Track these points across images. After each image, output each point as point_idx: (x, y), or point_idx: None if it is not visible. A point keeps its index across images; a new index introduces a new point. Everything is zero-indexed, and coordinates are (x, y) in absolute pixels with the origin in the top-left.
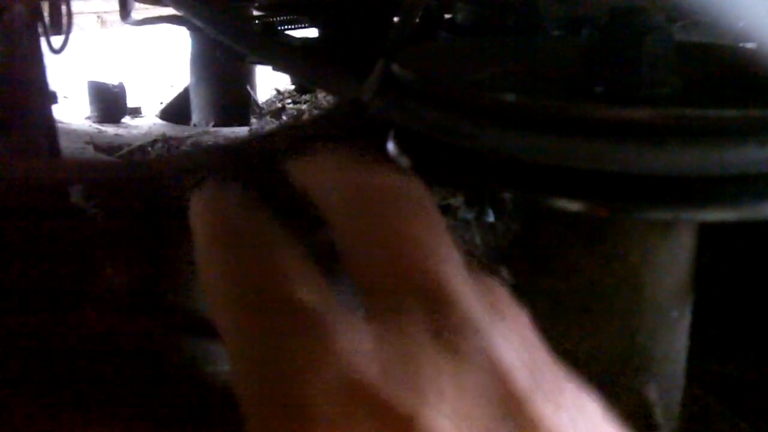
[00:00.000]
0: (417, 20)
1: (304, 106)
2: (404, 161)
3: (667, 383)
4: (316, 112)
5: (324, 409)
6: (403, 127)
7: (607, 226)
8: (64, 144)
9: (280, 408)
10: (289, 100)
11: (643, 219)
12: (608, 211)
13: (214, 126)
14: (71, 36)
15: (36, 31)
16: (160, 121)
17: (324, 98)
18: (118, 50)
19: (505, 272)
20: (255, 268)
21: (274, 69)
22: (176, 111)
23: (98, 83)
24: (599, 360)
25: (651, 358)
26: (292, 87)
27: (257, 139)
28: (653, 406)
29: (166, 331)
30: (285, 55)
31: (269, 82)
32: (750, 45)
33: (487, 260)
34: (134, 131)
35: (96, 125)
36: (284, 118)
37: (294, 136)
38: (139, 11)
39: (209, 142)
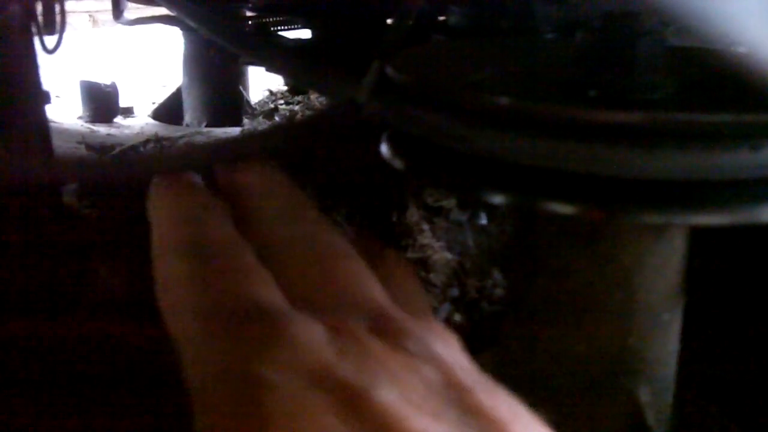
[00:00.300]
0: (411, 22)
1: (296, 107)
2: (398, 163)
3: (659, 385)
4: (308, 113)
5: (279, 388)
6: (397, 129)
7: (600, 230)
8: (57, 144)
9: (234, 393)
10: (282, 101)
11: (636, 223)
12: (602, 215)
13: (206, 126)
14: (64, 36)
15: (29, 31)
16: (152, 121)
17: (317, 99)
18: (110, 50)
19: (497, 274)
20: (210, 267)
21: (267, 70)
22: (168, 111)
23: (90, 83)
24: (592, 362)
25: (643, 361)
26: (285, 88)
27: (247, 139)
28: (645, 408)
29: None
30: (278, 56)
31: (262, 83)
32: (743, 49)
33: (480, 262)
34: (126, 131)
35: (88, 125)
36: (277, 119)
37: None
38: (132, 11)
39: (200, 142)
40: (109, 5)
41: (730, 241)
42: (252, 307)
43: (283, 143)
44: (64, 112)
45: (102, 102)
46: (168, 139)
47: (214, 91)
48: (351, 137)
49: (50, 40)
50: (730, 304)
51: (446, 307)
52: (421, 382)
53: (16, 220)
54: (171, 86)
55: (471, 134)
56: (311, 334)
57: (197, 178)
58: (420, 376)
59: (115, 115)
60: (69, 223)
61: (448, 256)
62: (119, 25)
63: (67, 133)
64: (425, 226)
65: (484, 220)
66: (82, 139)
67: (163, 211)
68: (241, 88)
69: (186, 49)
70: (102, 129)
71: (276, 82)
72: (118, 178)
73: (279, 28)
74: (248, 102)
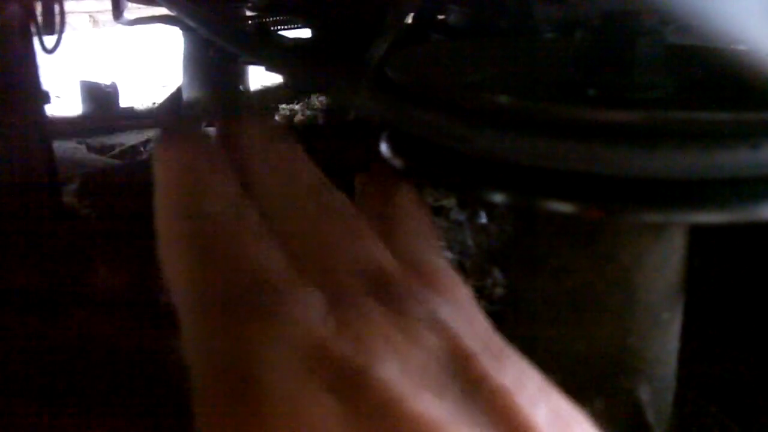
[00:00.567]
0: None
1: (296, 107)
2: (397, 162)
3: (659, 384)
4: (309, 112)
5: (275, 365)
6: (396, 129)
7: (600, 229)
8: (56, 143)
9: (234, 374)
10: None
11: (635, 221)
12: (601, 214)
13: (206, 125)
14: (64, 36)
15: (29, 30)
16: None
17: (317, 98)
18: (110, 50)
19: (497, 273)
20: (212, 228)
21: (267, 69)
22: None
23: (91, 83)
24: (591, 361)
25: (642, 360)
26: (286, 87)
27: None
28: (645, 407)
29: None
30: (278, 56)
31: (262, 82)
32: (743, 48)
33: (480, 262)
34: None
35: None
36: (276, 118)
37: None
38: (132, 11)
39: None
40: (109, 5)
41: (730, 240)
42: (251, 278)
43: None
44: (65, 112)
45: (102, 102)
46: None
47: (214, 90)
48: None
49: (50, 40)
50: (731, 303)
51: None
52: (424, 353)
53: (16, 220)
54: (171, 86)
55: (470, 134)
56: (309, 309)
57: (205, 132)
58: (422, 346)
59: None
60: (69, 223)
61: (448, 255)
62: (119, 25)
63: None
64: None
65: (483, 220)
66: (82, 138)
67: (167, 167)
68: (241, 87)
69: (186, 49)
70: None
71: (276, 82)
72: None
73: (279, 27)
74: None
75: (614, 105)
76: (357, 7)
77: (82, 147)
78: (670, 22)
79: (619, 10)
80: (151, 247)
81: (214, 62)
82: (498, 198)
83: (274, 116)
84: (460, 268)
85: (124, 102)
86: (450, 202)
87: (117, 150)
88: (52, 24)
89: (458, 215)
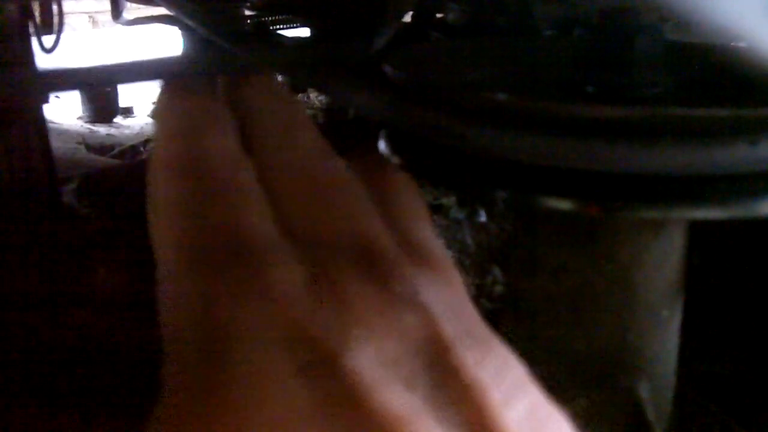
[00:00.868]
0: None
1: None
2: (396, 161)
3: (659, 382)
4: (308, 111)
5: (247, 340)
6: (395, 127)
7: (599, 227)
8: (56, 144)
9: (202, 340)
10: None
11: (634, 218)
12: (599, 211)
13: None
14: (63, 36)
15: (27, 30)
16: (152, 121)
17: (316, 97)
18: (110, 50)
19: (496, 272)
20: (204, 187)
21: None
22: None
23: None
24: (591, 359)
25: (642, 358)
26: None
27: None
28: (645, 405)
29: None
30: (277, 55)
31: None
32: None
33: (479, 260)
34: (126, 131)
35: (88, 125)
36: None
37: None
38: (131, 11)
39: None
40: (108, 5)
41: (729, 237)
42: (238, 242)
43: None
44: (64, 112)
45: (102, 102)
46: None
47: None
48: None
49: (48, 40)
50: (731, 301)
51: None
52: (401, 338)
53: (16, 220)
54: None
55: (469, 132)
56: (289, 283)
57: (207, 86)
58: (400, 332)
59: (114, 115)
60: (69, 223)
61: (448, 253)
62: (119, 25)
63: (66, 133)
64: None
65: (483, 218)
66: (82, 139)
67: (164, 121)
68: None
69: (185, 48)
70: (102, 129)
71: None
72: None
73: (278, 27)
74: None
75: (613, 102)
76: (356, 6)
77: (82, 147)
78: (669, 19)
79: (617, 7)
80: (151, 246)
81: None
82: (497, 196)
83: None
84: (460, 266)
85: (123, 102)
86: (449, 200)
87: (117, 150)
88: (51, 24)
89: (458, 214)
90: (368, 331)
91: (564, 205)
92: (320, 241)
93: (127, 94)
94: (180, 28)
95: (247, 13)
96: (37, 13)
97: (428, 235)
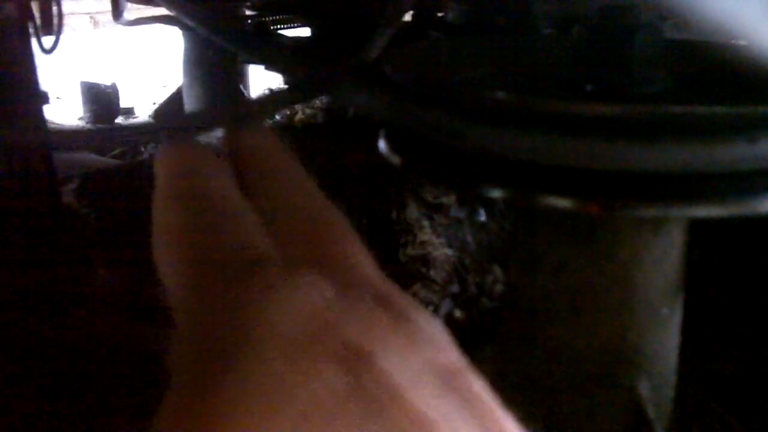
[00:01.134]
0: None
1: (296, 105)
2: (396, 160)
3: (659, 380)
4: (308, 111)
5: (280, 337)
6: (395, 126)
7: (598, 225)
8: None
9: (228, 339)
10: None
11: (633, 216)
12: (599, 209)
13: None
14: (64, 37)
15: (27, 31)
16: (153, 122)
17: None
18: (110, 51)
19: (497, 270)
20: (207, 217)
21: (266, 68)
22: (169, 111)
23: (91, 84)
24: (591, 357)
25: (642, 355)
26: (285, 86)
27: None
28: (645, 402)
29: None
30: (277, 54)
31: (262, 82)
32: (740, 42)
33: (480, 259)
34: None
35: (89, 126)
36: (277, 117)
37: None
38: (132, 11)
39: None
40: (109, 6)
41: (730, 235)
42: (248, 256)
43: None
44: (65, 113)
45: (103, 103)
46: None
47: (214, 90)
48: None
49: (48, 41)
50: (731, 299)
51: (447, 303)
52: (422, 360)
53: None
54: (171, 86)
55: (469, 130)
56: (319, 290)
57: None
58: (421, 354)
59: (115, 116)
60: (68, 223)
61: (448, 252)
62: (119, 26)
63: None
64: (425, 223)
65: (483, 217)
66: None
67: (166, 165)
68: (241, 87)
69: (186, 48)
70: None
71: (276, 81)
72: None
73: (278, 26)
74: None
75: (612, 100)
76: (356, 6)
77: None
78: (669, 17)
79: (617, 6)
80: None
81: (214, 62)
82: (497, 194)
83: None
84: (461, 264)
85: (124, 102)
86: (449, 199)
87: (117, 150)
88: (51, 24)
89: (458, 212)
90: (394, 345)
91: (564, 203)
92: (325, 267)
93: (128, 94)
94: (180, 29)
95: (248, 13)
96: (37, 14)
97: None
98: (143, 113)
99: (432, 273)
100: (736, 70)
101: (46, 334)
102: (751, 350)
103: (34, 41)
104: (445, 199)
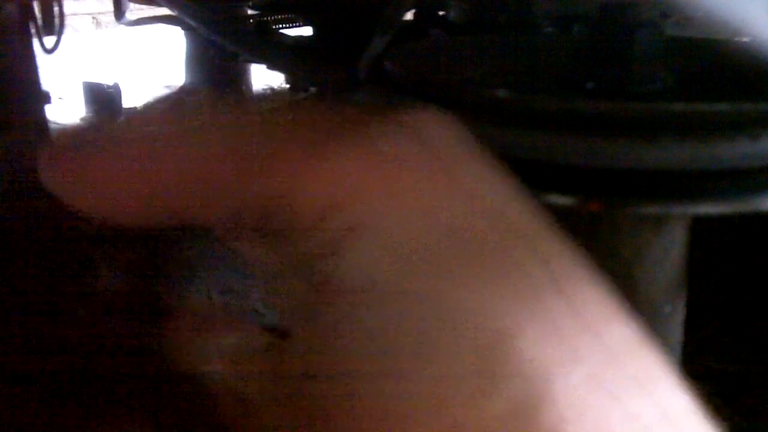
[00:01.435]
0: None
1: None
2: None
3: None
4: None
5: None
6: None
7: (599, 222)
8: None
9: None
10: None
11: (634, 214)
12: (600, 207)
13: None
14: (66, 37)
15: (28, 31)
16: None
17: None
18: (113, 51)
19: None
20: None
21: (268, 68)
22: None
23: (93, 84)
24: None
25: None
26: (287, 86)
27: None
28: None
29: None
30: (278, 54)
31: (264, 81)
32: (742, 40)
33: None
34: None
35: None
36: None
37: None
38: (134, 12)
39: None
40: (111, 7)
41: (731, 232)
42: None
43: None
44: (68, 113)
45: (105, 103)
46: None
47: (216, 90)
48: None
49: (50, 41)
50: (735, 296)
51: None
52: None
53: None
54: (174, 86)
55: (469, 129)
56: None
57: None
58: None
59: (118, 116)
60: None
61: None
62: (122, 26)
63: None
64: None
65: None
66: None
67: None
68: (243, 86)
69: (188, 49)
70: None
71: (278, 80)
72: None
73: (280, 26)
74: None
75: (613, 98)
76: (357, 5)
77: None
78: (670, 14)
79: (617, 3)
80: (152, 246)
81: (216, 62)
82: None
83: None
84: None
85: (126, 103)
86: None
87: None
88: (52, 25)
89: None
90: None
91: (565, 201)
92: None
93: (131, 94)
94: (182, 29)
95: (249, 12)
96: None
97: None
98: None
99: None
100: (738, 67)
101: (46, 334)
102: (755, 349)
103: (36, 42)
104: None
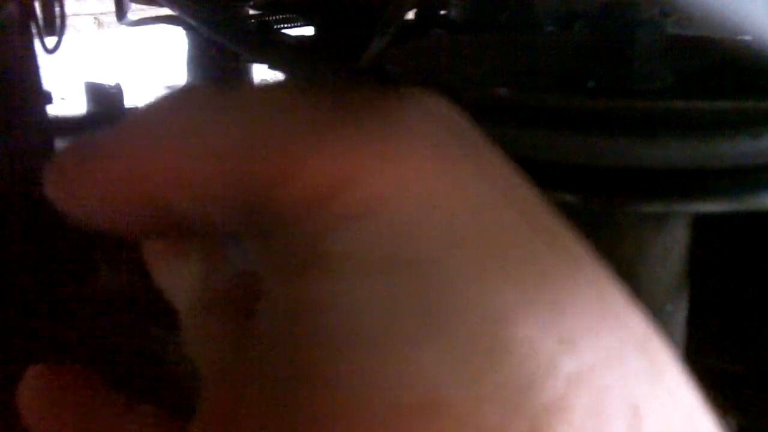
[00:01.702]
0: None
1: None
2: None
3: None
4: None
5: None
6: None
7: (601, 220)
8: (60, 144)
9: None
10: None
11: (636, 212)
12: (602, 205)
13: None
14: (68, 37)
15: (29, 31)
16: None
17: None
18: (115, 51)
19: None
20: None
21: (269, 67)
22: None
23: (95, 84)
24: None
25: None
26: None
27: None
28: None
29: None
30: (280, 54)
31: (265, 81)
32: (744, 38)
33: None
34: None
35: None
36: None
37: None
38: (135, 12)
39: None
40: (113, 7)
41: (733, 230)
42: None
43: None
44: (70, 113)
45: (107, 103)
46: None
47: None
48: None
49: (51, 41)
50: (737, 295)
51: None
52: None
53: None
54: (175, 86)
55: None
56: None
57: None
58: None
59: (120, 116)
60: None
61: None
62: (123, 26)
63: None
64: None
65: None
66: None
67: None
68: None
69: (190, 49)
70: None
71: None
72: None
73: (281, 26)
74: None
75: (614, 96)
76: (358, 5)
77: None
78: (671, 14)
79: (618, 2)
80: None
81: (218, 62)
82: None
83: None
84: None
85: (128, 102)
86: None
87: None
88: (54, 25)
89: None
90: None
91: (566, 199)
92: None
93: (133, 94)
94: (184, 29)
95: (251, 12)
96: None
97: None
98: None
99: None
100: (738, 65)
101: (46, 333)
102: (757, 348)
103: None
104: None
